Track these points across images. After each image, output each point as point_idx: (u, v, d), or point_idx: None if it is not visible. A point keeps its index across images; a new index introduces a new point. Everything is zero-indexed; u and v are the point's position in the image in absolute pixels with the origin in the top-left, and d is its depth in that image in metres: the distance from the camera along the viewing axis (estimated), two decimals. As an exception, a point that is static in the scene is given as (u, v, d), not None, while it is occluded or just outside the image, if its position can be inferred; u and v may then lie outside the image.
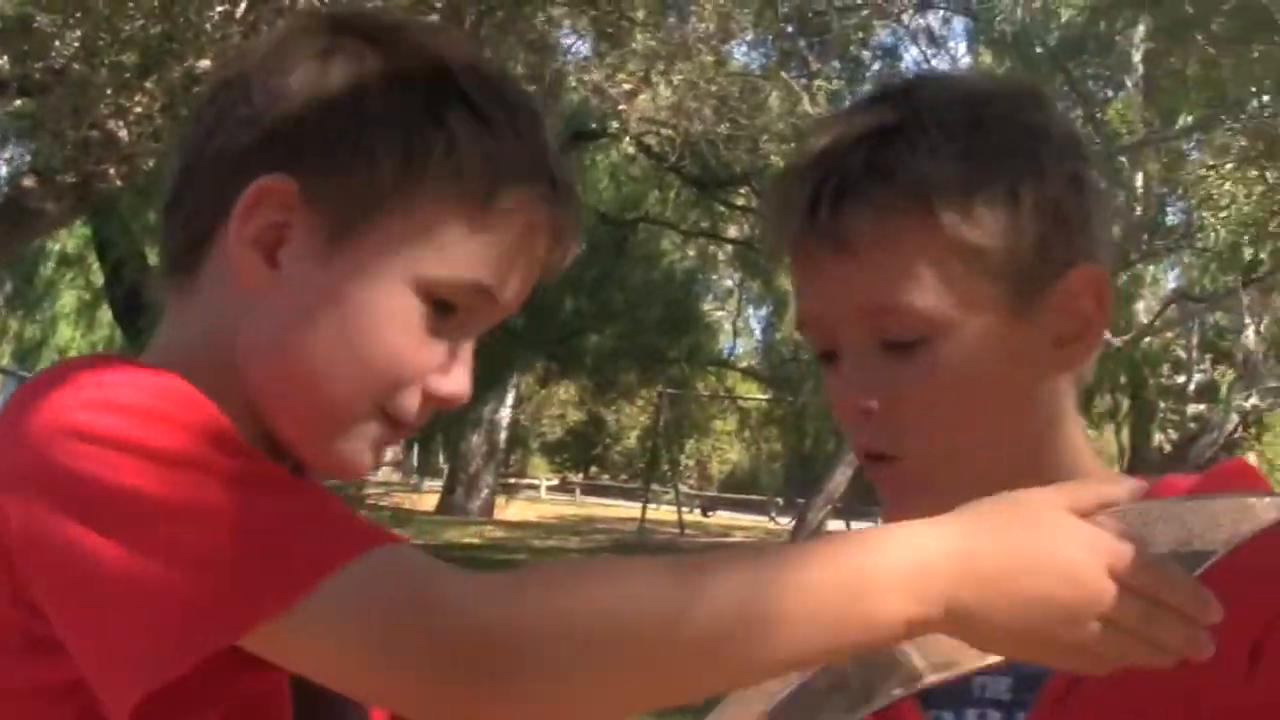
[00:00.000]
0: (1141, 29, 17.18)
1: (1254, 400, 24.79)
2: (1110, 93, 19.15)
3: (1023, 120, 1.18)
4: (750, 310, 35.37)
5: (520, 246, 1.11)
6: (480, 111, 1.08)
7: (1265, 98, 14.64)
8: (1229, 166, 15.91)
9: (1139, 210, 19.51)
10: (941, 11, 19.68)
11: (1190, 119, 16.31)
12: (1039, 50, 19.14)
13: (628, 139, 15.22)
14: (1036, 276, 1.16)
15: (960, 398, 1.14)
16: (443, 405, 1.12)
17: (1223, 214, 16.38)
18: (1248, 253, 18.72)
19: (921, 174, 1.11)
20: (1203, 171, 17.02)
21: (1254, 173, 15.66)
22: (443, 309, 1.09)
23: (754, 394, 36.53)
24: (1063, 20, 19.64)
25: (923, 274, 1.11)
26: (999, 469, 1.13)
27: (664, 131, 15.86)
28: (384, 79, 1.08)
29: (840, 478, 17.37)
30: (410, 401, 1.10)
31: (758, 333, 39.02)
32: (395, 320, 1.07)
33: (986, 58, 22.33)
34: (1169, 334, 27.26)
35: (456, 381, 1.12)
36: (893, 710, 1.13)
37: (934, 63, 20.06)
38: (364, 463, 1.12)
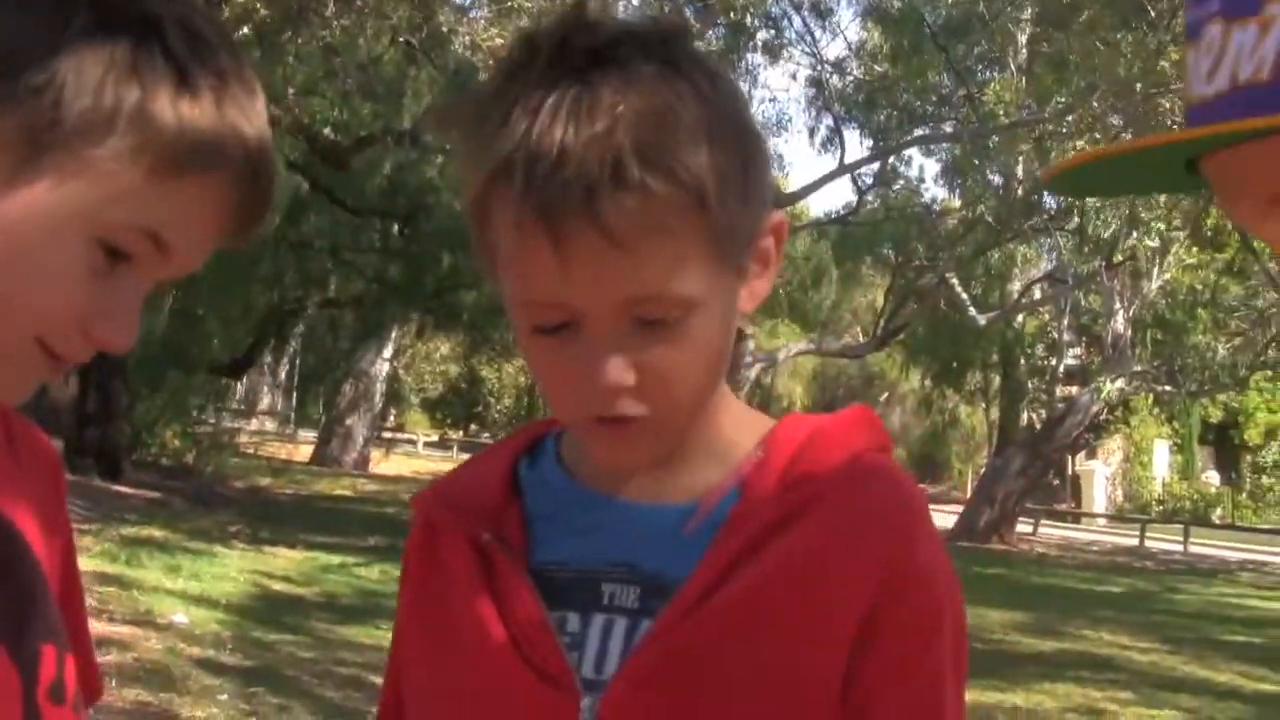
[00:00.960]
0: (1029, 12, 17.41)
1: (1120, 384, 25.31)
2: (992, 74, 19.41)
3: (733, 95, 1.20)
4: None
5: (201, 213, 1.09)
6: (184, 74, 1.06)
7: (1138, 85, 14.89)
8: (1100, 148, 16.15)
9: (1019, 191, 19.83)
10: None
11: (1064, 101, 16.54)
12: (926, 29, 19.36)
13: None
14: (751, 237, 1.20)
15: (708, 360, 1.18)
16: (105, 349, 1.09)
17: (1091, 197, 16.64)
18: (1117, 237, 19.03)
19: (695, 165, 1.10)
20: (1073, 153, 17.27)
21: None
22: (114, 255, 1.07)
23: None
24: (950, 0, 19.85)
25: (690, 262, 1.12)
26: (704, 406, 1.22)
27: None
28: (89, 22, 1.05)
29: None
30: (68, 342, 1.08)
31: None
32: (59, 261, 1.05)
33: (875, 35, 22.57)
34: (1045, 315, 27.74)
35: (119, 329, 1.09)
36: (516, 601, 1.20)
37: (818, 34, 20.27)
38: (16, 392, 1.11)
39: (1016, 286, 25.10)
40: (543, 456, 1.31)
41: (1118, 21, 13.75)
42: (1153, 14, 13.47)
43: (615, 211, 1.07)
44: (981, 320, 22.19)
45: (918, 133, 21.30)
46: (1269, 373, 28.91)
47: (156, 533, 14.39)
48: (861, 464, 1.23)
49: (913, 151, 22.79)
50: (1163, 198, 18.82)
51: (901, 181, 23.64)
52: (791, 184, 23.52)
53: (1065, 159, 1.03)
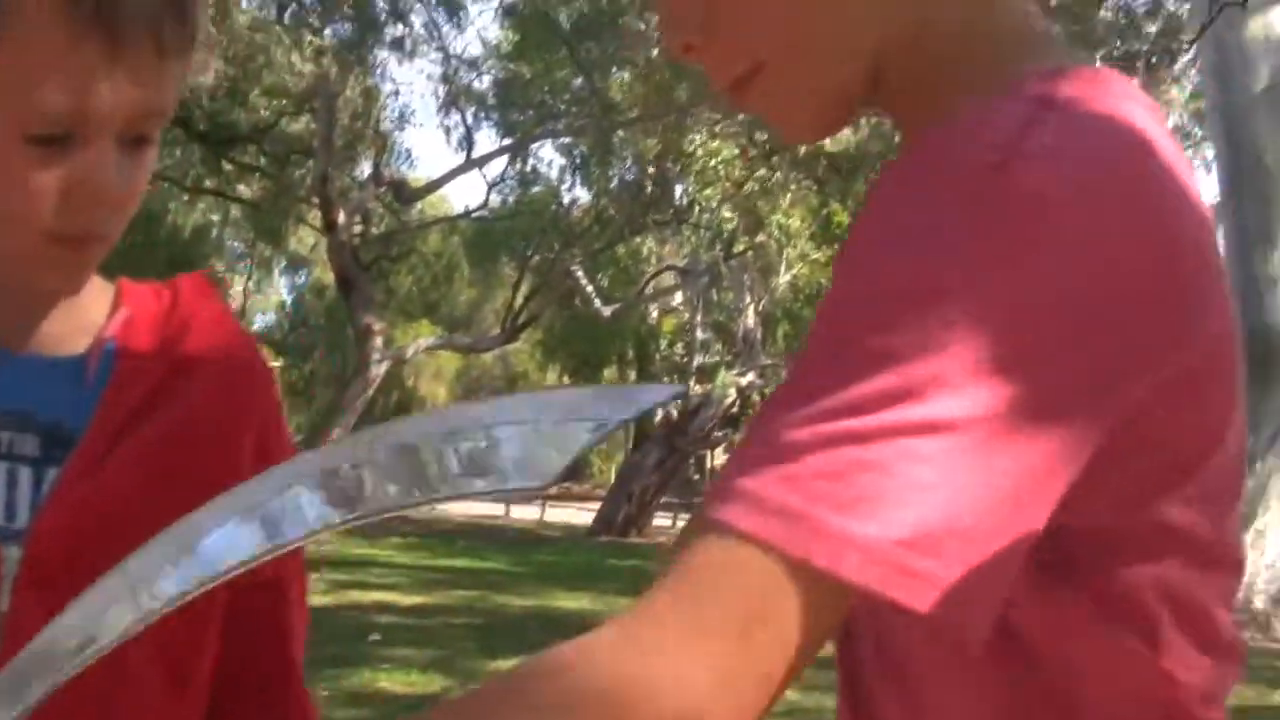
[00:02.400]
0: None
1: (751, 377, 25.99)
2: (620, 71, 19.59)
3: None
4: (261, 273, 34.70)
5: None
6: None
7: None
8: (715, 143, 16.52)
9: (650, 187, 20.14)
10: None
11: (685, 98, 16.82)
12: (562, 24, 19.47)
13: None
14: None
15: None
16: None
17: (706, 191, 17.02)
18: (735, 229, 19.47)
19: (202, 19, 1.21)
20: (693, 148, 17.62)
21: (736, 150, 16.33)
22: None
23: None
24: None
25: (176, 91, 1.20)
26: None
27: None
28: None
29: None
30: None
31: (273, 296, 38.37)
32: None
33: (504, 33, 22.61)
34: (684, 313, 28.28)
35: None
36: None
37: (444, 29, 20.15)
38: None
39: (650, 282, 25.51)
40: None
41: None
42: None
43: (170, 34, 1.16)
44: (607, 311, 22.47)
45: (551, 129, 21.51)
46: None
47: None
48: (227, 321, 1.36)
49: (548, 150, 22.94)
50: (787, 198, 19.38)
51: (537, 178, 23.79)
52: (423, 178, 23.27)
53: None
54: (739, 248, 22.40)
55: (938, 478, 0.77)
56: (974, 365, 0.79)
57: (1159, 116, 0.94)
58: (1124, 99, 0.91)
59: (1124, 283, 0.83)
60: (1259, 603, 9.76)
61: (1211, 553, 0.94)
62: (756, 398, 31.68)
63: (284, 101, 17.38)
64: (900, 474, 0.77)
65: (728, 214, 19.07)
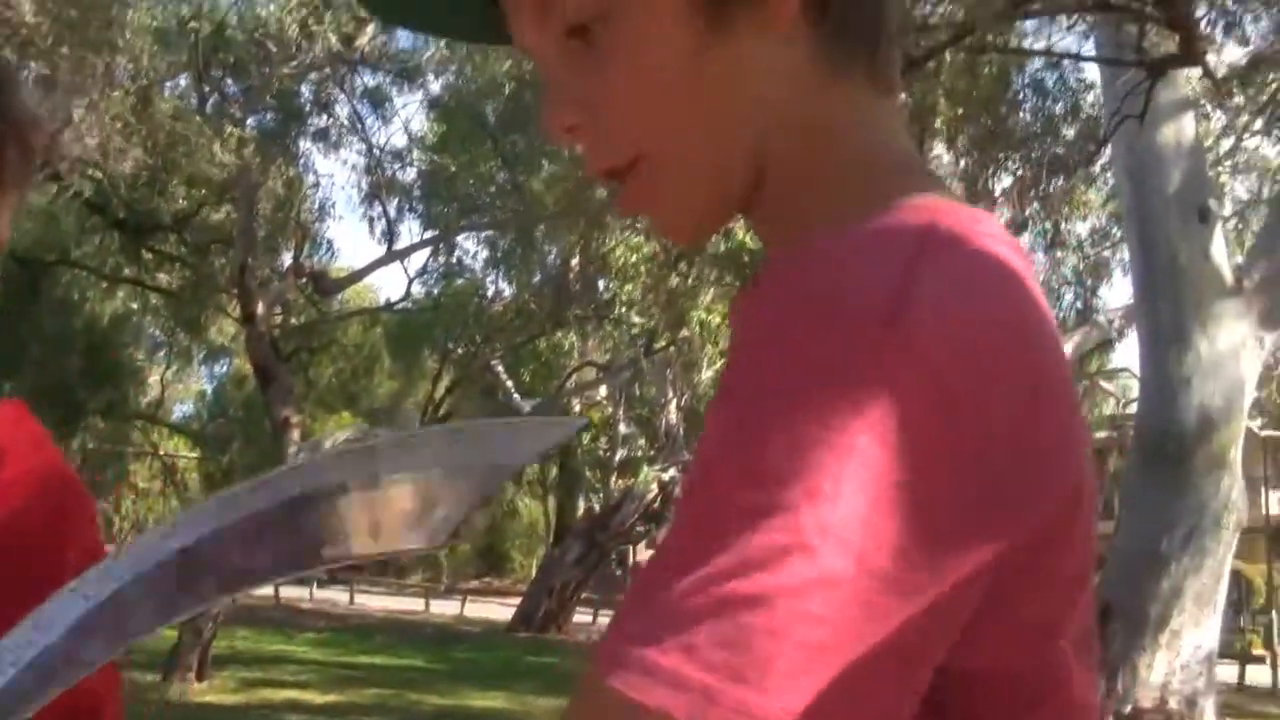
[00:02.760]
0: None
1: (673, 472, 25.99)
2: (549, 164, 19.62)
3: None
4: (180, 362, 34.36)
5: None
6: None
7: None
8: (636, 239, 16.58)
9: (572, 283, 20.17)
10: (384, 75, 19.69)
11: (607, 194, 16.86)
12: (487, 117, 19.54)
13: (51, 177, 14.42)
14: None
15: None
16: None
17: (628, 286, 17.05)
18: (657, 326, 19.48)
19: None
20: (614, 245, 17.68)
21: (656, 246, 16.39)
22: None
23: (183, 450, 35.54)
24: (506, 93, 20.07)
25: None
26: None
27: (91, 172, 15.19)
28: None
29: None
30: None
31: (193, 385, 38.00)
32: None
33: (426, 124, 22.67)
34: (608, 407, 28.28)
35: None
36: None
37: (369, 121, 20.18)
38: None
39: (576, 377, 25.49)
40: None
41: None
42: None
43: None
44: (527, 406, 22.46)
45: (474, 221, 21.54)
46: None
47: None
48: (45, 445, 1.40)
49: (471, 242, 22.97)
50: (709, 294, 19.48)
51: (460, 270, 23.79)
52: (346, 268, 23.22)
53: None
54: (661, 344, 22.47)
55: (830, 638, 0.77)
56: (863, 519, 0.78)
57: (1025, 257, 0.96)
58: (997, 241, 0.93)
59: (1005, 442, 0.84)
60: (1174, 703, 9.76)
61: (1032, 692, 0.95)
62: (678, 492, 31.74)
63: (204, 191, 17.28)
64: (794, 637, 0.76)
65: (648, 311, 19.11)
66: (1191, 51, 7.06)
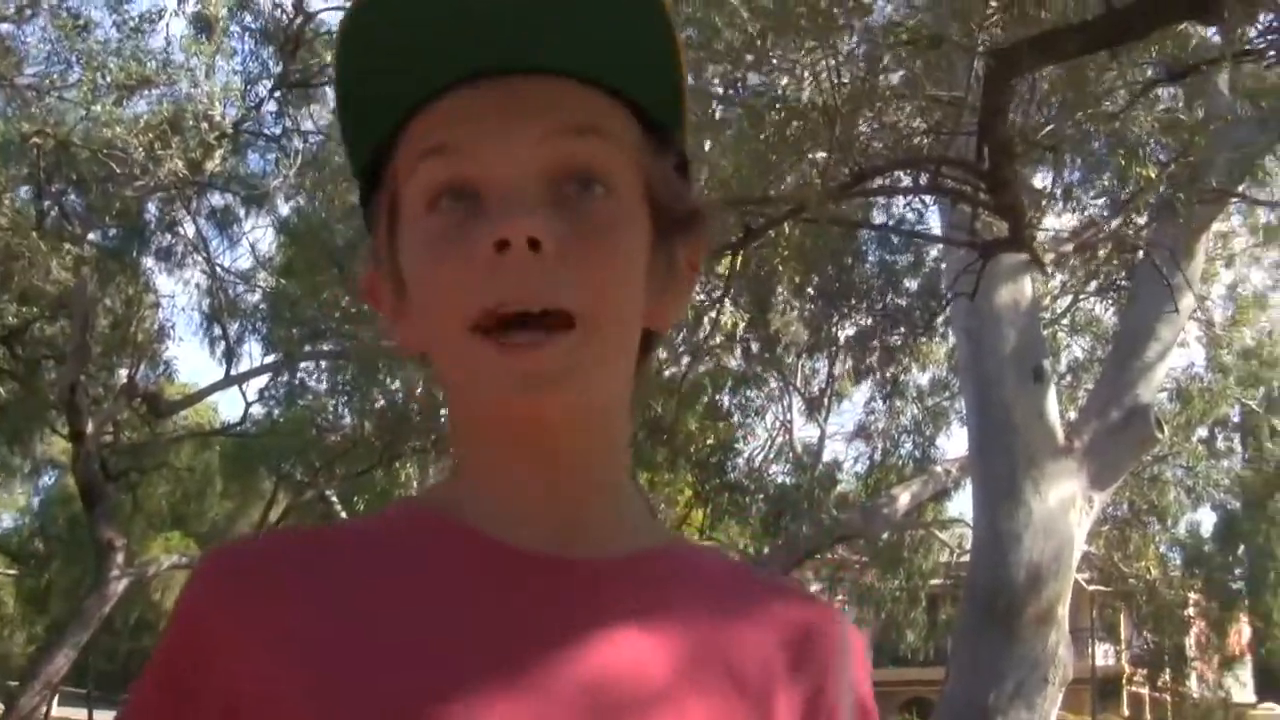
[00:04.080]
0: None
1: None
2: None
3: None
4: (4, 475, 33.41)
5: None
6: None
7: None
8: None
9: (417, 416, 20.00)
10: (230, 196, 19.48)
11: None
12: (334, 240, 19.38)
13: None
14: None
15: None
16: None
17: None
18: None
19: None
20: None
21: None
22: None
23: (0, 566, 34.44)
24: (354, 221, 19.94)
25: None
26: None
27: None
28: None
29: (62, 660, 16.22)
30: None
31: (19, 498, 36.97)
32: None
33: (272, 248, 22.44)
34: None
35: None
36: None
37: (214, 242, 19.95)
38: None
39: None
40: None
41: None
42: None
43: None
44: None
45: (320, 348, 21.30)
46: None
47: None
48: None
49: (312, 370, 22.72)
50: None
51: (303, 393, 23.48)
52: (183, 387, 22.78)
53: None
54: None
55: None
56: None
57: None
58: None
59: None
60: None
61: None
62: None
63: (38, 307, 16.91)
64: None
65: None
66: (1019, 237, 7.28)
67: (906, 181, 8.63)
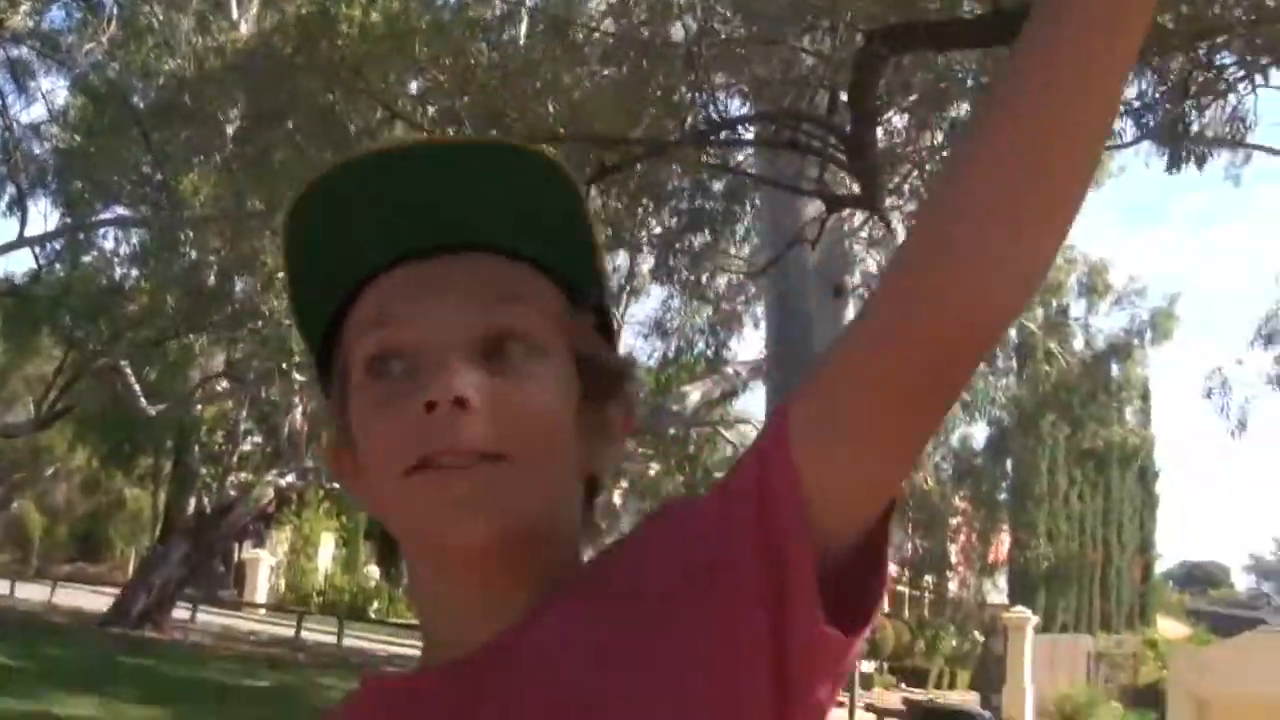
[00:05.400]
0: (239, 108, 17.26)
1: (292, 478, 25.60)
2: (200, 163, 18.98)
3: None
4: None
5: None
6: None
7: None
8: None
9: (211, 281, 19.65)
10: (28, 47, 18.77)
11: (261, 203, 16.52)
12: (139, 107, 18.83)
13: None
14: None
15: None
16: None
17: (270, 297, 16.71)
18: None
19: None
20: (263, 257, 17.33)
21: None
22: None
23: None
24: (160, 83, 19.37)
25: None
26: None
27: None
28: None
29: None
30: None
31: None
32: None
33: (73, 102, 21.71)
34: (227, 404, 27.53)
35: None
36: None
37: (9, 99, 19.23)
38: None
39: (196, 376, 24.70)
40: None
41: (321, 136, 13.93)
42: (354, 131, 13.75)
43: None
44: (152, 411, 21.79)
45: (114, 211, 20.73)
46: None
47: None
48: None
49: (111, 237, 22.08)
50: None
51: (94, 254, 22.77)
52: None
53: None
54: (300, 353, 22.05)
55: None
56: None
57: None
58: None
59: None
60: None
61: None
62: (295, 498, 31.20)
63: None
64: None
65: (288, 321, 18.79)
66: (871, 195, 7.50)
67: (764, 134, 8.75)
